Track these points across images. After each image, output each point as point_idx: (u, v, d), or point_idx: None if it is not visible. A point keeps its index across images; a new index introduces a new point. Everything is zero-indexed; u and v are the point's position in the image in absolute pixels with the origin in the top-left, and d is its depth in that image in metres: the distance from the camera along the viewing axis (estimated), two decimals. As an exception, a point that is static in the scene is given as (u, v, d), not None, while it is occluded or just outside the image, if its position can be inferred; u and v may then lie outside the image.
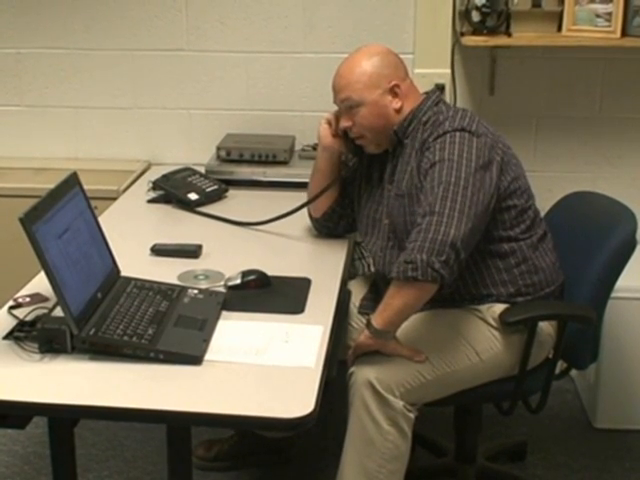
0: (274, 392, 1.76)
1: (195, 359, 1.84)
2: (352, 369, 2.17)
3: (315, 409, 1.70)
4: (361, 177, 2.48)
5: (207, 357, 1.86)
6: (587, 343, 2.40)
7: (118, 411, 1.71)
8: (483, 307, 2.27)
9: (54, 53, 3.28)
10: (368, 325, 2.13)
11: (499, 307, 2.26)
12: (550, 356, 2.36)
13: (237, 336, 1.96)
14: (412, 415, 2.15)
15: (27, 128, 3.37)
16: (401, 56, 3.04)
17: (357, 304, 2.51)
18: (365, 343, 2.15)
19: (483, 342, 2.25)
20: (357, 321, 2.50)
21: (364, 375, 2.13)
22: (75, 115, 3.34)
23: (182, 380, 1.79)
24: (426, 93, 2.36)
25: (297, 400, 1.71)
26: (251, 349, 1.91)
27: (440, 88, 3.09)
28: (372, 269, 3.13)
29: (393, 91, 2.28)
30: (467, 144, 2.16)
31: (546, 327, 2.31)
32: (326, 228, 2.57)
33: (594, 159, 3.25)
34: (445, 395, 2.24)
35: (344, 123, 2.33)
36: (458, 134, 2.17)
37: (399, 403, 2.13)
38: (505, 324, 2.23)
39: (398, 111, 2.29)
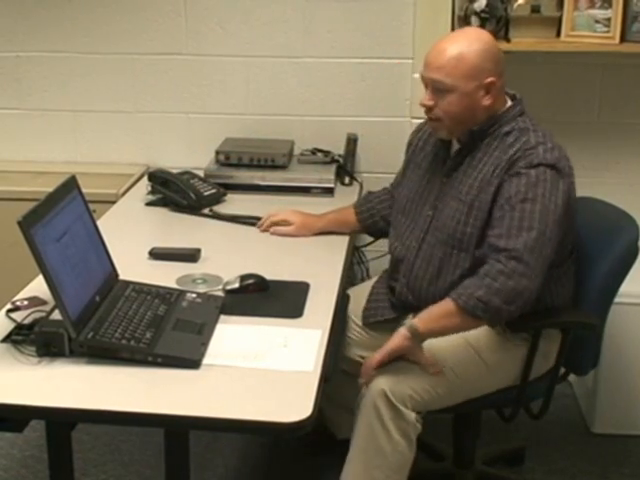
0: (272, 396, 1.76)
1: (193, 363, 1.84)
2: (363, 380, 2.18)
3: (313, 413, 1.70)
4: (413, 154, 2.46)
5: (205, 361, 1.86)
6: (588, 349, 2.41)
7: (116, 415, 1.71)
8: None
9: (54, 57, 3.28)
10: (410, 328, 2.12)
11: None
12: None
13: (235, 340, 1.96)
14: (420, 425, 2.17)
15: (26, 132, 3.37)
16: (400, 61, 3.11)
17: (356, 315, 2.50)
18: (402, 345, 2.13)
19: (491, 352, 2.24)
20: (356, 333, 2.49)
21: (378, 385, 2.13)
22: (74, 119, 3.34)
23: (180, 384, 1.79)
24: (512, 97, 2.31)
25: (295, 404, 1.71)
26: (249, 353, 1.90)
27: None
28: (369, 275, 3.14)
29: (488, 87, 2.20)
30: (558, 187, 2.14)
31: (551, 336, 2.29)
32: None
33: (592, 164, 3.25)
34: (451, 404, 2.25)
35: (426, 102, 2.25)
36: (549, 172, 2.14)
37: (412, 415, 2.14)
38: (509, 331, 2.22)
39: (486, 109, 2.23)
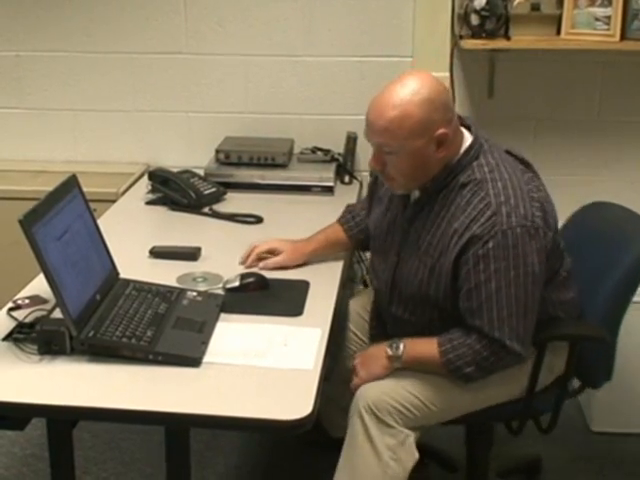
0: (273, 394, 1.76)
1: (194, 361, 1.84)
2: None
3: (313, 411, 1.70)
4: (375, 185, 2.36)
5: (206, 359, 1.86)
6: (600, 361, 2.32)
7: (117, 412, 1.71)
8: None
9: (54, 56, 3.28)
10: (394, 360, 2.09)
11: None
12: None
13: (236, 338, 1.96)
14: (412, 439, 2.09)
15: (27, 131, 3.37)
16: (400, 59, 3.11)
17: (356, 327, 2.48)
18: (382, 374, 2.11)
19: None
20: (357, 345, 2.45)
21: (365, 398, 2.07)
22: (74, 118, 3.34)
23: (181, 382, 1.79)
24: (463, 124, 2.11)
25: (296, 402, 1.72)
26: (249, 351, 1.91)
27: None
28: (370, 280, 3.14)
29: (440, 140, 2.01)
30: (531, 250, 1.98)
31: (557, 348, 2.20)
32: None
33: (592, 162, 3.26)
34: (450, 419, 2.18)
35: (374, 165, 2.09)
36: (519, 231, 1.97)
37: (402, 432, 2.07)
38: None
39: (441, 161, 2.05)
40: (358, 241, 2.48)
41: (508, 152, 2.16)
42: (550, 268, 2.11)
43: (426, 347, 2.08)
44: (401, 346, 2.09)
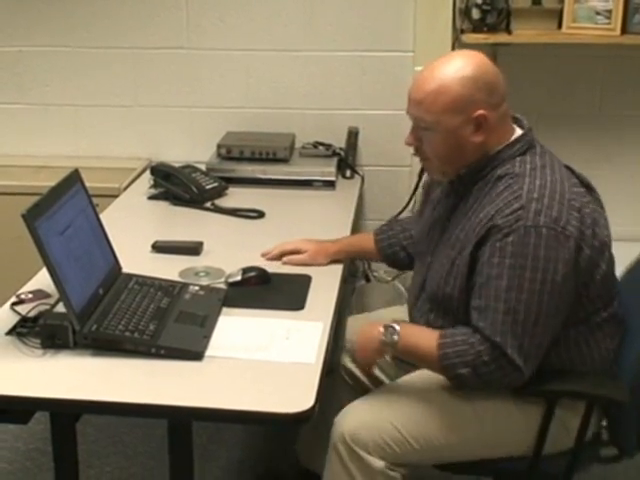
0: (274, 387, 1.77)
1: (196, 355, 1.85)
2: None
3: (315, 404, 1.71)
4: (430, 188, 2.22)
5: (208, 353, 1.87)
6: (630, 424, 2.00)
7: (120, 406, 1.72)
8: None
9: (55, 51, 3.29)
10: (387, 345, 1.94)
11: None
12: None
13: (238, 332, 1.97)
14: (397, 474, 1.94)
15: (28, 126, 3.37)
16: (401, 54, 3.11)
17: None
18: (375, 359, 2.02)
19: (491, 412, 1.95)
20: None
21: (340, 428, 1.95)
22: (76, 113, 3.35)
23: (183, 375, 1.80)
24: (520, 126, 2.00)
25: (297, 395, 1.72)
26: (251, 345, 1.91)
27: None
28: (372, 268, 3.15)
29: (478, 122, 1.89)
30: (556, 256, 1.80)
31: (575, 406, 1.94)
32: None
33: (594, 156, 3.26)
34: (438, 462, 2.01)
35: (410, 140, 1.99)
36: (544, 231, 1.80)
37: (378, 463, 1.92)
38: (516, 392, 1.92)
39: (478, 146, 1.92)
40: (386, 256, 2.40)
41: (567, 167, 2.01)
42: (587, 298, 1.92)
43: (424, 337, 1.93)
44: (397, 331, 1.92)
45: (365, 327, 2.05)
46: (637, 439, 2.03)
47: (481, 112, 1.89)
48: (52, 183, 1.97)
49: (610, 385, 1.95)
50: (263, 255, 2.34)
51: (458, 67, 1.91)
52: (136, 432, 2.93)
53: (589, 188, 2.01)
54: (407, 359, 2.01)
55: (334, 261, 2.35)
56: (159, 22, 3.22)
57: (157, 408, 1.71)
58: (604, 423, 2.06)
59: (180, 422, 1.89)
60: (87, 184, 2.10)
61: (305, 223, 2.65)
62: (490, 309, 1.85)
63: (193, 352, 1.85)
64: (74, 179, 2.06)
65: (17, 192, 2.95)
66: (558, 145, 3.23)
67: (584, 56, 3.15)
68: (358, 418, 1.96)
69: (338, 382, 2.32)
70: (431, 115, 1.90)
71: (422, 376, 2.02)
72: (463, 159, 1.95)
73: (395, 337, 1.93)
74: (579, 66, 3.18)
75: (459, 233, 1.97)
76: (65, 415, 2.02)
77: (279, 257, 2.33)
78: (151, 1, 3.20)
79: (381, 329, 1.95)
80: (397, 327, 1.94)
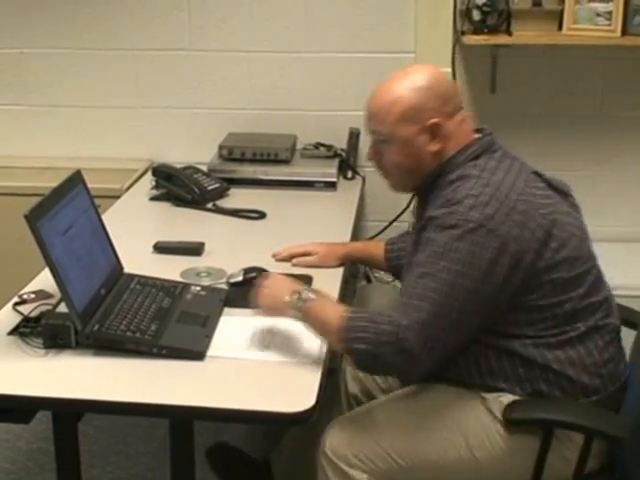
0: (276, 387, 1.78)
1: (198, 354, 1.86)
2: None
3: (317, 404, 1.71)
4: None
5: (209, 353, 1.88)
6: (636, 462, 1.86)
7: (122, 405, 1.73)
8: (490, 395, 1.89)
9: (57, 53, 3.30)
10: (297, 307, 1.85)
11: (509, 397, 1.88)
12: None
13: (239, 332, 1.98)
14: None
15: (30, 127, 3.38)
16: (402, 55, 3.12)
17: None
18: (276, 315, 1.92)
19: (481, 437, 1.88)
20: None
21: (323, 446, 1.93)
22: (78, 114, 3.36)
23: (185, 375, 1.81)
24: (479, 131, 1.99)
25: (299, 395, 1.73)
26: (253, 345, 1.92)
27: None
28: (373, 269, 3.14)
29: (433, 131, 1.89)
30: (480, 250, 1.76)
31: (575, 436, 1.85)
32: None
33: (594, 157, 3.27)
34: None
35: (370, 155, 2.01)
36: (472, 226, 1.77)
37: (361, 476, 1.88)
38: (509, 421, 1.84)
39: (435, 155, 1.92)
40: (392, 267, 2.36)
41: (536, 173, 1.97)
42: (537, 310, 1.84)
43: (332, 309, 1.86)
44: (306, 299, 1.86)
45: (276, 279, 1.97)
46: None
47: (435, 120, 1.89)
48: (54, 184, 1.97)
49: (606, 418, 1.85)
50: (273, 256, 2.34)
51: (411, 79, 1.93)
52: (137, 432, 2.94)
53: (563, 193, 1.99)
54: (310, 327, 1.88)
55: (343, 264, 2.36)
56: (161, 24, 3.23)
57: (159, 408, 1.72)
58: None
59: (182, 422, 1.90)
60: (89, 185, 2.11)
61: (306, 224, 2.65)
62: (404, 294, 1.83)
63: (195, 352, 1.86)
64: (76, 180, 2.07)
65: (19, 193, 2.95)
66: (558, 146, 3.27)
67: (584, 57, 3.15)
68: (342, 435, 1.93)
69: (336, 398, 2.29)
70: (386, 127, 1.92)
71: (411, 395, 1.98)
72: (421, 169, 1.94)
73: (300, 304, 1.86)
74: (579, 67, 3.19)
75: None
76: (67, 415, 2.03)
77: (289, 259, 2.33)
78: (153, 3, 3.21)
79: (291, 289, 1.89)
80: (310, 296, 1.87)
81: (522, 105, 3.24)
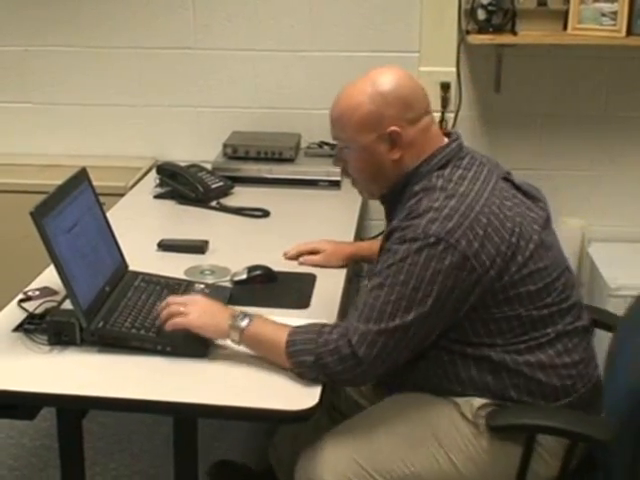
0: (279, 385, 1.78)
1: (202, 352, 1.86)
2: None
3: (320, 402, 1.72)
4: None
5: (213, 350, 1.88)
6: (620, 463, 1.85)
7: (126, 402, 1.73)
8: (461, 400, 1.87)
9: (62, 51, 3.30)
10: (236, 332, 1.82)
11: (479, 401, 1.85)
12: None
13: (243, 330, 1.98)
14: None
15: (35, 125, 3.39)
16: (406, 55, 3.12)
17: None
18: (214, 337, 1.86)
19: (458, 443, 1.85)
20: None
21: (307, 475, 1.89)
22: (82, 112, 3.36)
23: (189, 372, 1.81)
24: (448, 136, 1.93)
25: (302, 393, 1.74)
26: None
27: (445, 87, 3.13)
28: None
29: (391, 139, 1.85)
30: (437, 264, 1.72)
31: (555, 441, 1.85)
32: None
33: (599, 157, 3.27)
34: None
35: (334, 161, 2.01)
36: (432, 240, 1.72)
37: None
38: (490, 428, 1.82)
39: (396, 164, 1.87)
40: None
41: (507, 179, 1.93)
42: (499, 315, 1.82)
43: (277, 328, 1.83)
44: (246, 320, 1.83)
45: (214, 303, 1.92)
46: (624, 476, 1.88)
47: (394, 129, 1.84)
48: (59, 182, 1.98)
49: (590, 422, 1.85)
50: (284, 254, 2.34)
51: (372, 84, 1.87)
52: (141, 430, 2.94)
53: (533, 198, 1.95)
54: (254, 348, 1.84)
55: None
56: (166, 22, 3.23)
57: (163, 405, 1.72)
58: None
59: (185, 419, 1.90)
60: (93, 183, 2.11)
61: (310, 222, 2.66)
62: (359, 303, 1.80)
63: (199, 349, 1.87)
64: (81, 177, 2.07)
65: (24, 190, 2.96)
66: (563, 146, 3.27)
67: (589, 57, 3.15)
68: (320, 455, 1.88)
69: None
70: (345, 133, 1.89)
71: (386, 410, 1.95)
72: (384, 177, 1.90)
73: (244, 323, 1.83)
74: (584, 67, 3.18)
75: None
76: (71, 411, 2.03)
77: (296, 257, 2.33)
78: (158, 1, 3.22)
79: (231, 314, 1.85)
80: (249, 316, 1.85)
81: (527, 105, 3.24)
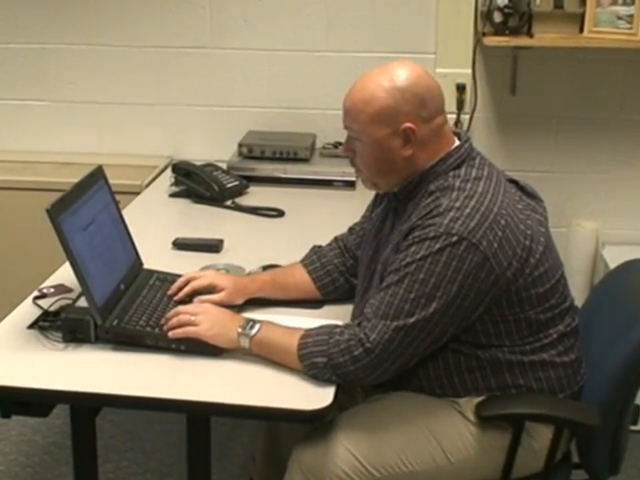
0: (293, 384, 1.78)
1: (216, 350, 1.86)
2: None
3: (333, 402, 1.72)
4: (374, 204, 2.12)
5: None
6: (601, 448, 1.92)
7: (140, 400, 1.74)
8: (461, 399, 1.88)
9: (79, 49, 3.32)
10: (246, 345, 1.83)
11: (480, 399, 1.88)
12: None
13: (257, 329, 1.98)
14: None
15: (52, 123, 3.40)
16: (422, 56, 3.11)
17: None
18: (224, 346, 1.86)
19: (455, 441, 1.86)
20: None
21: (300, 467, 1.87)
22: (99, 110, 3.37)
23: (203, 371, 1.82)
24: (457, 136, 1.91)
25: (315, 392, 1.74)
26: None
27: (461, 88, 3.13)
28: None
29: (406, 135, 1.82)
30: (458, 263, 1.72)
31: (543, 429, 1.88)
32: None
33: (613, 160, 3.26)
34: None
35: (343, 150, 1.95)
36: (455, 239, 1.72)
37: None
38: (480, 418, 1.84)
39: (408, 161, 1.85)
40: (324, 285, 2.13)
41: (512, 180, 1.95)
42: (513, 317, 1.83)
43: (288, 332, 1.84)
44: (256, 327, 1.84)
45: (223, 312, 1.92)
46: (608, 464, 1.95)
47: (408, 125, 1.81)
48: (75, 179, 1.99)
49: (576, 407, 1.89)
50: (170, 294, 2.05)
51: (389, 78, 1.82)
52: (154, 428, 2.95)
53: (536, 199, 1.97)
54: (266, 354, 1.84)
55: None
56: (182, 21, 3.24)
57: (176, 403, 1.73)
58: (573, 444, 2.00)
59: (199, 417, 1.90)
60: (109, 181, 2.12)
61: (325, 223, 2.65)
62: (375, 301, 1.79)
63: (212, 348, 1.87)
64: (98, 175, 2.08)
65: (41, 188, 2.98)
66: (578, 148, 3.26)
67: (605, 60, 3.14)
68: (316, 451, 1.87)
69: None
70: (358, 125, 1.85)
71: (384, 403, 1.94)
72: (394, 173, 1.88)
73: (253, 330, 1.83)
74: (600, 70, 3.17)
75: (390, 252, 1.88)
76: (85, 409, 2.04)
77: (191, 295, 2.04)
78: (175, 0, 3.23)
79: (241, 322, 1.86)
80: (258, 322, 1.85)
81: (542, 107, 3.23)
